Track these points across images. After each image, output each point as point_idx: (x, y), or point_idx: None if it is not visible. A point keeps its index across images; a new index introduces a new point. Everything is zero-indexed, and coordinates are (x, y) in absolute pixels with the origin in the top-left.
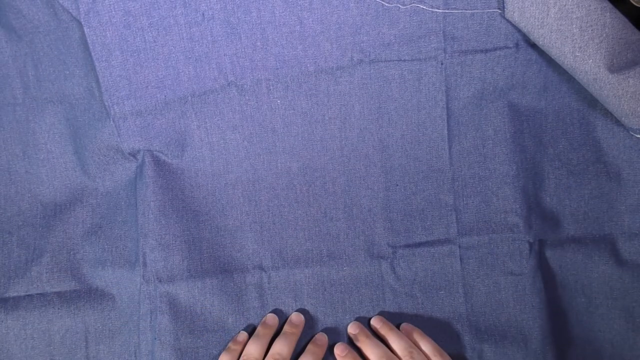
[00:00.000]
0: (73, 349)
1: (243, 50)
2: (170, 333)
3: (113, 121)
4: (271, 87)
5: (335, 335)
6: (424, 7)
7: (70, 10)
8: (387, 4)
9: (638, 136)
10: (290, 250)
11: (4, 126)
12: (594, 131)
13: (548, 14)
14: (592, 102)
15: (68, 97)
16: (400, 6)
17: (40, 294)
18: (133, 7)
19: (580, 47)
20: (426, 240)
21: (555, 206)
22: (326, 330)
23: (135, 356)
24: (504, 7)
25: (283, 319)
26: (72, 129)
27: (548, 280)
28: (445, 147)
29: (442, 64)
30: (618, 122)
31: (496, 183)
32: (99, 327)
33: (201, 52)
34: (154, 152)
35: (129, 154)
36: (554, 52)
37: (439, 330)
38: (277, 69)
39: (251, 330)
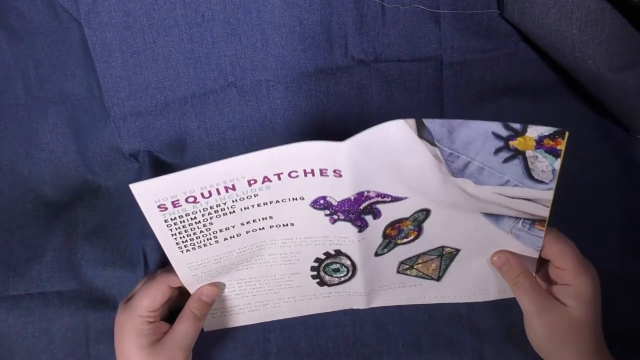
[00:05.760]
0: (74, 348)
1: (243, 51)
2: None
3: (113, 122)
4: (271, 88)
5: None
6: (424, 8)
7: (71, 11)
8: (387, 4)
9: (638, 136)
10: None
11: (7, 127)
12: (594, 131)
13: (548, 15)
14: (592, 102)
15: (70, 98)
16: (400, 6)
17: (41, 293)
18: (133, 8)
19: (580, 48)
20: None
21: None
22: None
23: None
24: (503, 8)
25: None
26: (75, 129)
27: None
28: None
29: (441, 64)
30: (618, 122)
31: None
32: (99, 326)
33: (201, 53)
34: (154, 153)
35: (130, 154)
36: (553, 52)
37: (439, 331)
38: (277, 69)
39: None
